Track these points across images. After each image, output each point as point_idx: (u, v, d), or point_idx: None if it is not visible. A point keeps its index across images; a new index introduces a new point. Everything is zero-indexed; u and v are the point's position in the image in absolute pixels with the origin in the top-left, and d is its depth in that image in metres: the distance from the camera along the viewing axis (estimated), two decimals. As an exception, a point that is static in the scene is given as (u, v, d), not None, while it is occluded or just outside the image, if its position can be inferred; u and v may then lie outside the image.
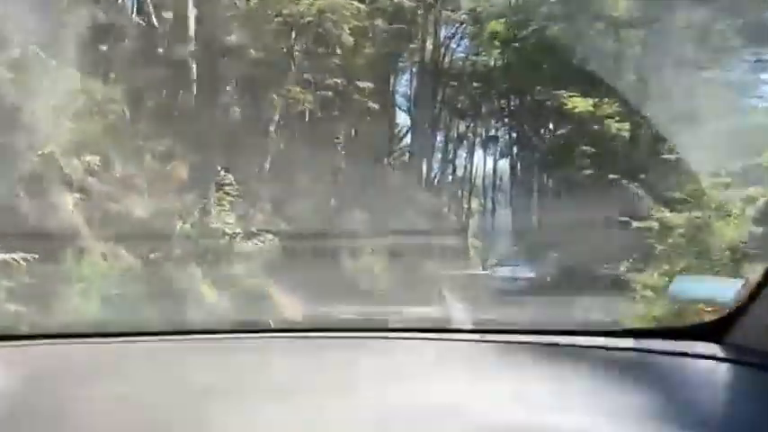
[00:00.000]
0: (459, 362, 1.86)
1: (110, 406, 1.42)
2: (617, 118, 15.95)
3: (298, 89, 15.01)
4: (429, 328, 2.23)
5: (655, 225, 10.87)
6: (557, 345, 1.85)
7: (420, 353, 1.97)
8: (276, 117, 14.79)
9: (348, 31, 15.93)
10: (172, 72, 12.79)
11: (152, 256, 9.92)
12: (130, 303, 8.46)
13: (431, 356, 1.91)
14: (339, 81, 16.40)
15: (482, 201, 28.00)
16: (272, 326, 2.32)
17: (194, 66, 12.75)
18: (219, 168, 12.70)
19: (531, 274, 13.83)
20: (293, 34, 15.33)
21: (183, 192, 11.78)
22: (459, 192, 26.23)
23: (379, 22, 18.08)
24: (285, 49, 15.22)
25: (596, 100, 16.02)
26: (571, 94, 16.55)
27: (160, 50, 13.18)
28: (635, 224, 11.46)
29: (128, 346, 1.99)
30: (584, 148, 16.65)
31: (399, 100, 22.63)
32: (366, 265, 15.27)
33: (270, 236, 12.45)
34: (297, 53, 15.39)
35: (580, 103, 16.22)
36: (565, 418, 1.32)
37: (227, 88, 14.36)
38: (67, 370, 1.73)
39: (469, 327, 2.36)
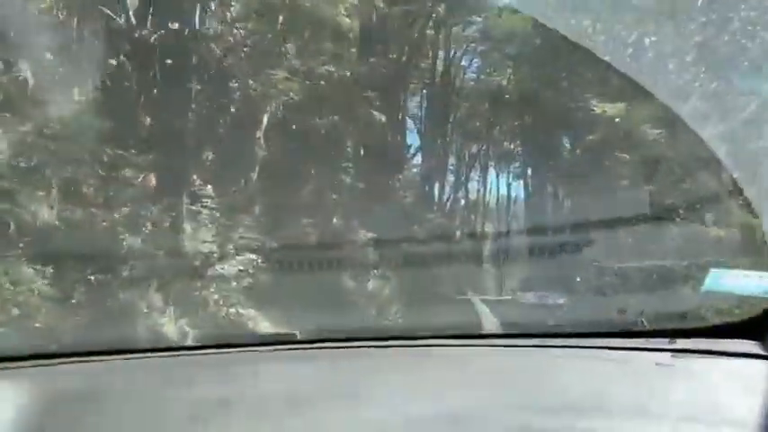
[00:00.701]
0: (488, 367, 1.84)
1: (129, 422, 1.48)
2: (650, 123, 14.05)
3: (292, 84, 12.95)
4: (456, 334, 2.22)
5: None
6: (590, 347, 1.85)
7: (448, 359, 1.96)
8: (265, 121, 12.81)
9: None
10: (130, 54, 10.92)
11: (92, 278, 8.13)
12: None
13: (459, 362, 1.91)
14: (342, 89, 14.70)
15: (496, 224, 26.94)
16: (298, 337, 2.28)
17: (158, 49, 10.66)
18: (194, 177, 10.92)
19: (560, 300, 12.42)
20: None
21: (145, 203, 9.95)
22: (473, 215, 25.58)
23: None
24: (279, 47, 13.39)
25: (627, 103, 14.14)
26: (598, 98, 14.77)
27: (119, 33, 10.97)
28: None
29: (147, 361, 2.03)
30: (619, 155, 14.84)
31: (409, 122, 21.36)
32: (371, 290, 13.85)
33: (253, 255, 10.62)
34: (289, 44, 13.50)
35: (610, 109, 14.40)
36: (601, 421, 1.35)
37: (205, 80, 12.23)
38: (86, 388, 1.75)
39: (498, 332, 2.58)
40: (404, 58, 18.48)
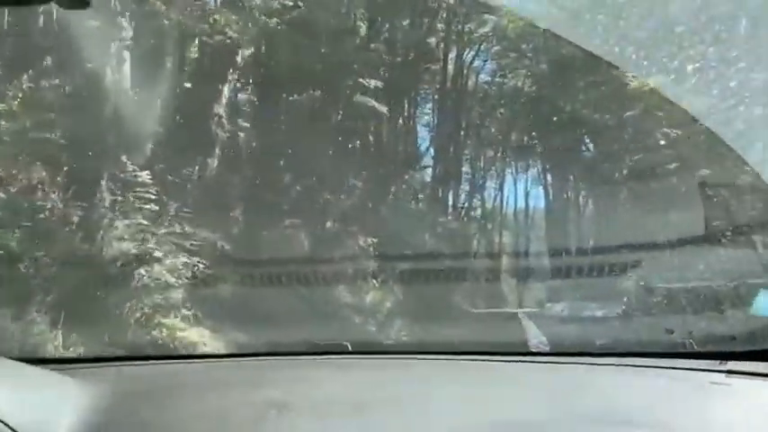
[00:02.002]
0: (537, 383, 1.86)
1: (192, 423, 1.56)
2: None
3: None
4: (505, 351, 2.27)
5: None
6: (640, 366, 1.86)
7: (499, 374, 2.00)
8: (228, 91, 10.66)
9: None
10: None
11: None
12: None
13: (509, 378, 1.94)
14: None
15: (515, 233, 25.98)
16: (350, 348, 2.32)
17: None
18: (125, 160, 8.89)
19: (599, 313, 11.67)
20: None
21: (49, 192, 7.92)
22: (489, 224, 24.35)
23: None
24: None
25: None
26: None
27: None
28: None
29: (210, 365, 2.28)
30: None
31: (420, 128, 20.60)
32: (369, 305, 12.19)
33: (195, 259, 8.56)
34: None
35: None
36: None
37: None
38: (159, 390, 1.85)
39: (547, 350, 2.63)
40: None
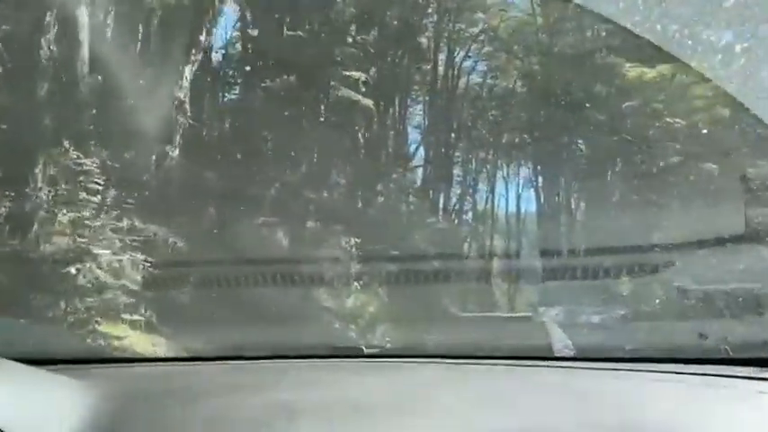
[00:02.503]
0: (558, 387, 1.82)
1: (192, 426, 1.52)
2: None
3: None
4: (521, 355, 2.27)
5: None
6: (670, 372, 1.81)
7: (519, 378, 1.95)
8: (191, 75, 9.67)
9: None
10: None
11: None
12: None
13: (530, 382, 1.89)
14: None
15: (506, 237, 25.31)
16: (365, 351, 2.33)
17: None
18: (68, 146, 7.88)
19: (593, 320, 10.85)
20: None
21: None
22: (481, 227, 23.80)
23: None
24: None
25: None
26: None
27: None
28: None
29: (220, 368, 2.16)
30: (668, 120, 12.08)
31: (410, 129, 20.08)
32: (350, 308, 11.46)
33: (141, 256, 7.57)
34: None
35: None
36: None
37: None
38: (164, 391, 1.79)
39: (569, 354, 2.49)
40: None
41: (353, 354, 2.32)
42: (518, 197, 25.34)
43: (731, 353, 1.87)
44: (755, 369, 1.68)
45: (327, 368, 2.13)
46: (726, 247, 9.81)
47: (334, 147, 13.70)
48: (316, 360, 2.28)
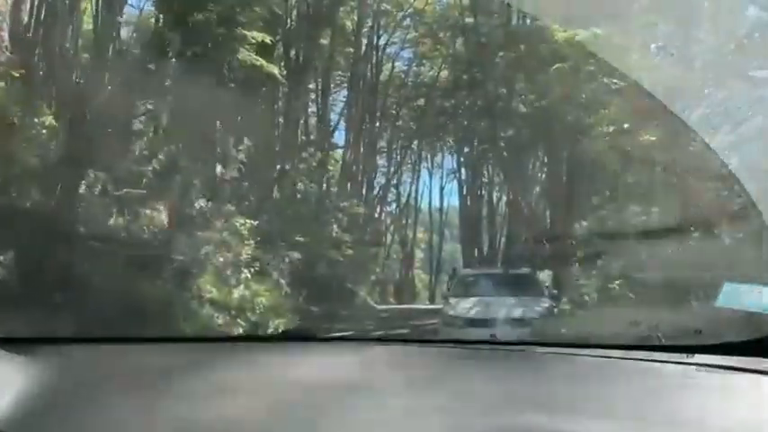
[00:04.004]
0: (501, 372, 1.91)
1: (133, 406, 1.46)
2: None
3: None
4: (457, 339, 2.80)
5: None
6: (606, 358, 1.88)
7: (451, 361, 2.05)
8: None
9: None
10: None
11: None
12: None
13: (460, 365, 1.97)
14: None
15: (429, 228, 25.54)
16: (317, 334, 2.44)
17: None
18: None
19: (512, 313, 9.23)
20: None
21: None
22: (404, 219, 23.82)
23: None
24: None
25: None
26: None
27: None
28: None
29: (152, 348, 2.09)
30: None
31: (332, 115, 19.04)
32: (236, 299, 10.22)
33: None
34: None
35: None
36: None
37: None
38: (105, 372, 1.79)
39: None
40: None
41: (302, 336, 2.40)
42: (441, 186, 24.99)
43: (662, 340, 1.95)
44: (686, 355, 1.72)
45: (277, 350, 2.14)
46: (657, 237, 10.06)
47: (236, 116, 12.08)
48: (254, 343, 2.40)
